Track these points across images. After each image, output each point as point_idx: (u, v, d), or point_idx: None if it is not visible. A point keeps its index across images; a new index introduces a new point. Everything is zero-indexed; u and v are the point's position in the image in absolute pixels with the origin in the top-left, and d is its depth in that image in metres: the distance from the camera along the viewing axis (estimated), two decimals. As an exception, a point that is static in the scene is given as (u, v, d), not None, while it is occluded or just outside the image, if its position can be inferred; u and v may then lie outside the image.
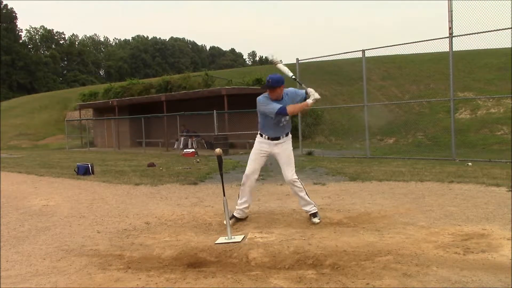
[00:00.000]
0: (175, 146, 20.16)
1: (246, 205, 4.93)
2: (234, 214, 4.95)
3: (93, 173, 10.47)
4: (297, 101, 4.74)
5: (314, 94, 4.61)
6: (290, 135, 4.94)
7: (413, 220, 4.70)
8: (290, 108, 4.60)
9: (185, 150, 16.55)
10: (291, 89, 4.86)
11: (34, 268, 3.67)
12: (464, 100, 17.68)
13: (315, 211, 4.82)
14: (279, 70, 4.95)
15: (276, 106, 4.60)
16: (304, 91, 4.77)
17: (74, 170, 10.66)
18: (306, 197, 4.81)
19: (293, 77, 4.87)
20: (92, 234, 4.76)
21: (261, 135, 4.90)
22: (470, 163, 9.67)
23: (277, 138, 4.83)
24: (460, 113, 17.42)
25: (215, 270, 3.40)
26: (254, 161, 4.89)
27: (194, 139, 19.54)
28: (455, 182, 7.10)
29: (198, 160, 13.67)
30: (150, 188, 7.94)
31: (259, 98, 4.77)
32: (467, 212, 5.00)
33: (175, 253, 3.85)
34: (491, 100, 17.30)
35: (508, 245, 3.68)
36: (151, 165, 11.89)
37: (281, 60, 5.03)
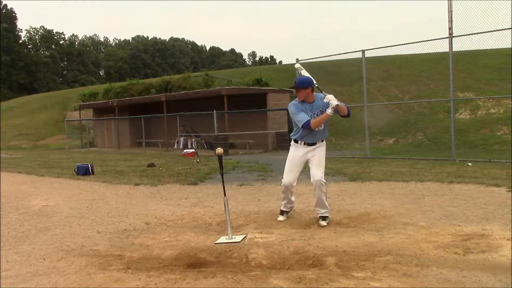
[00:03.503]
0: (175, 146, 20.16)
1: (290, 204, 5.08)
2: (282, 208, 5.08)
3: (93, 173, 10.47)
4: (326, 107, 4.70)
5: (332, 102, 4.54)
6: (325, 141, 4.93)
7: (413, 220, 4.69)
8: (313, 123, 4.65)
9: (185, 150, 16.54)
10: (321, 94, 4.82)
11: (34, 269, 3.66)
12: (464, 100, 17.67)
13: (326, 215, 4.79)
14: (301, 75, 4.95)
15: (303, 118, 4.64)
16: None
17: (74, 171, 10.66)
18: (326, 202, 4.79)
19: (316, 85, 4.78)
20: (92, 234, 4.76)
21: (296, 141, 4.89)
22: (470, 163, 9.66)
23: (314, 144, 4.83)
24: (460, 113, 17.41)
25: (215, 270, 3.40)
26: (290, 170, 4.89)
27: (194, 139, 19.55)
28: (455, 182, 7.10)
29: (198, 160, 13.66)
30: (150, 188, 7.94)
31: (290, 106, 4.84)
32: (467, 212, 5.00)
33: (175, 253, 3.85)
34: (491, 100, 17.28)
35: (508, 245, 3.68)
36: (151, 165, 11.89)
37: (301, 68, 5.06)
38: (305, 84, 4.68)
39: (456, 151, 10.93)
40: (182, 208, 5.99)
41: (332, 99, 4.56)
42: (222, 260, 3.66)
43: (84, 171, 10.40)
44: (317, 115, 4.70)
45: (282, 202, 5.08)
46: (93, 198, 7.17)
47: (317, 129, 4.77)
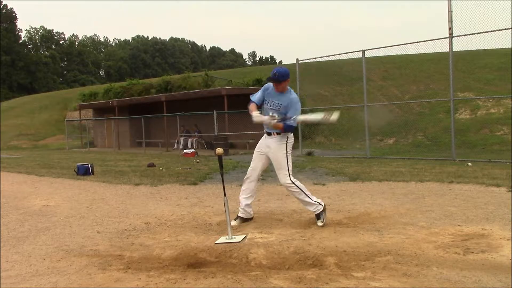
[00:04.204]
0: (175, 147, 20.17)
1: (248, 208, 4.90)
2: (240, 214, 4.93)
3: (93, 173, 10.47)
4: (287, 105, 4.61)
5: (297, 118, 4.57)
6: (287, 136, 4.66)
7: (413, 220, 4.69)
8: (252, 107, 4.69)
9: (185, 151, 16.55)
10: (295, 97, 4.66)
11: (34, 269, 3.66)
12: (464, 100, 17.67)
13: (319, 211, 4.62)
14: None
15: (252, 97, 4.73)
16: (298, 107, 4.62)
17: (74, 171, 10.66)
18: (307, 198, 4.64)
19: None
20: (92, 234, 4.76)
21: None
22: (470, 163, 9.67)
23: (269, 134, 4.72)
24: (460, 113, 17.41)
25: (215, 270, 3.40)
26: (253, 160, 4.89)
27: (194, 139, 19.56)
28: (455, 182, 7.10)
29: (198, 160, 13.67)
30: (150, 188, 7.94)
31: (265, 87, 4.71)
32: (467, 212, 5.00)
33: (175, 253, 3.85)
34: (491, 100, 17.29)
35: (508, 245, 3.68)
36: (151, 165, 11.89)
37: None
38: (285, 77, 4.57)
39: (456, 151, 10.94)
40: (182, 208, 5.99)
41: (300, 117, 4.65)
42: (222, 260, 3.65)
43: (84, 171, 10.40)
44: (276, 106, 4.59)
45: (241, 200, 4.87)
46: (93, 198, 7.16)
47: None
